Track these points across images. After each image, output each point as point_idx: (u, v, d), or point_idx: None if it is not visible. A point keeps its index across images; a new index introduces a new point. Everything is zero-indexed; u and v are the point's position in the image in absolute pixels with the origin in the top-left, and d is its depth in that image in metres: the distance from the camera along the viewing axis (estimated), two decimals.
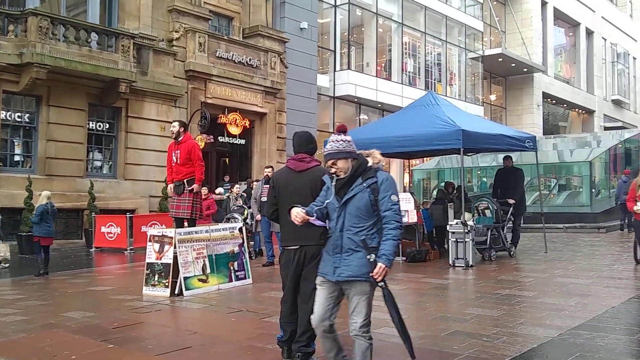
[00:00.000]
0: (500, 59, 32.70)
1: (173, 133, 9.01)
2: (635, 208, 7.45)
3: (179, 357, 5.30)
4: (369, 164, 4.02)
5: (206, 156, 14.38)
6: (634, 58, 47.93)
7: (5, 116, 15.14)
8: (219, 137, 19.60)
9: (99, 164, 17.22)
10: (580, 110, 41.77)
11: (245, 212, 13.08)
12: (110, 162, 17.27)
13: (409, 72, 28.26)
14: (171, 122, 9.59)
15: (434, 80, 29.40)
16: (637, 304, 7.31)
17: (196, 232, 8.69)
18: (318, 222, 4.07)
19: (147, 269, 8.50)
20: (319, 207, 4.05)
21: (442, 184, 18.34)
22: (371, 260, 3.80)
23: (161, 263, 8.36)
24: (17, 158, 15.64)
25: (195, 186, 8.96)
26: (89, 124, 16.51)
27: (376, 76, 25.86)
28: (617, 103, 44.92)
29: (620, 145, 23.80)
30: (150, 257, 8.50)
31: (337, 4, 24.95)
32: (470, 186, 23.72)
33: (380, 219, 3.92)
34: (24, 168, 15.51)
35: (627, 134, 25.99)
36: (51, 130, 15.58)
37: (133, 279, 9.98)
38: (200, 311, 7.38)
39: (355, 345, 3.93)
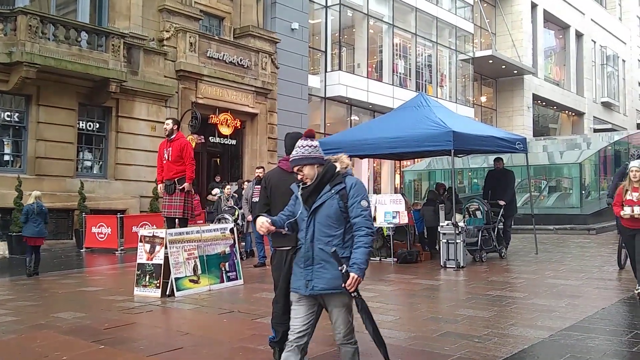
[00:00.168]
0: (490, 61, 32.84)
1: (166, 130, 9.08)
2: (622, 213, 7.47)
3: (170, 357, 5.29)
4: (337, 170, 3.85)
5: (197, 156, 14.32)
6: (624, 60, 48.30)
7: None
8: (210, 138, 19.54)
9: (89, 163, 17.11)
10: (570, 113, 42.02)
11: (236, 213, 13.09)
12: (101, 162, 17.17)
13: (400, 73, 28.31)
14: (162, 122, 9.60)
15: (425, 81, 29.49)
16: (626, 305, 7.35)
17: (187, 233, 8.69)
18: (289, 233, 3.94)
19: (138, 270, 8.48)
20: (290, 221, 3.87)
21: (434, 185, 18.39)
22: (343, 271, 3.62)
23: (152, 264, 8.34)
24: (6, 158, 15.50)
25: (186, 185, 9.00)
26: (79, 123, 16.41)
27: (367, 77, 25.85)
28: (606, 105, 45.25)
29: (609, 147, 23.96)
30: (141, 257, 8.48)
31: (328, 4, 24.95)
32: (462, 187, 23.79)
33: (351, 226, 3.78)
34: (13, 168, 15.39)
35: (616, 136, 26.27)
36: (41, 129, 15.47)
37: (124, 279, 9.95)
38: (191, 312, 7.37)
39: (342, 352, 3.90)
